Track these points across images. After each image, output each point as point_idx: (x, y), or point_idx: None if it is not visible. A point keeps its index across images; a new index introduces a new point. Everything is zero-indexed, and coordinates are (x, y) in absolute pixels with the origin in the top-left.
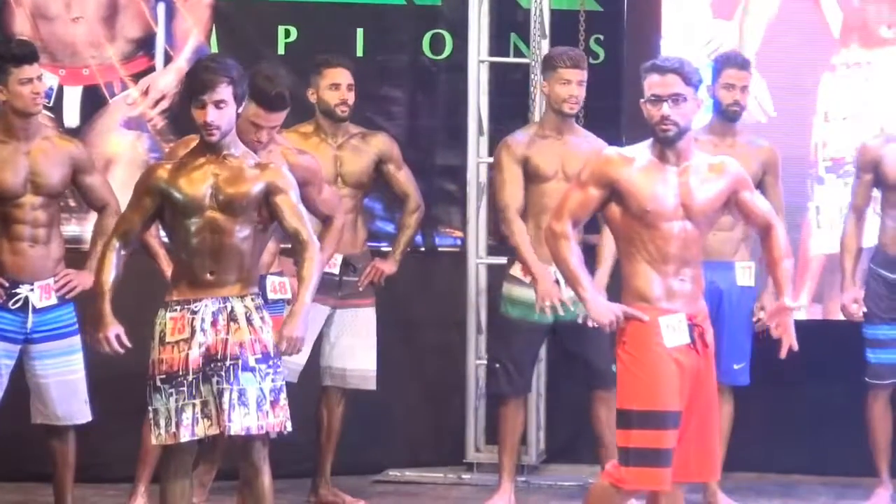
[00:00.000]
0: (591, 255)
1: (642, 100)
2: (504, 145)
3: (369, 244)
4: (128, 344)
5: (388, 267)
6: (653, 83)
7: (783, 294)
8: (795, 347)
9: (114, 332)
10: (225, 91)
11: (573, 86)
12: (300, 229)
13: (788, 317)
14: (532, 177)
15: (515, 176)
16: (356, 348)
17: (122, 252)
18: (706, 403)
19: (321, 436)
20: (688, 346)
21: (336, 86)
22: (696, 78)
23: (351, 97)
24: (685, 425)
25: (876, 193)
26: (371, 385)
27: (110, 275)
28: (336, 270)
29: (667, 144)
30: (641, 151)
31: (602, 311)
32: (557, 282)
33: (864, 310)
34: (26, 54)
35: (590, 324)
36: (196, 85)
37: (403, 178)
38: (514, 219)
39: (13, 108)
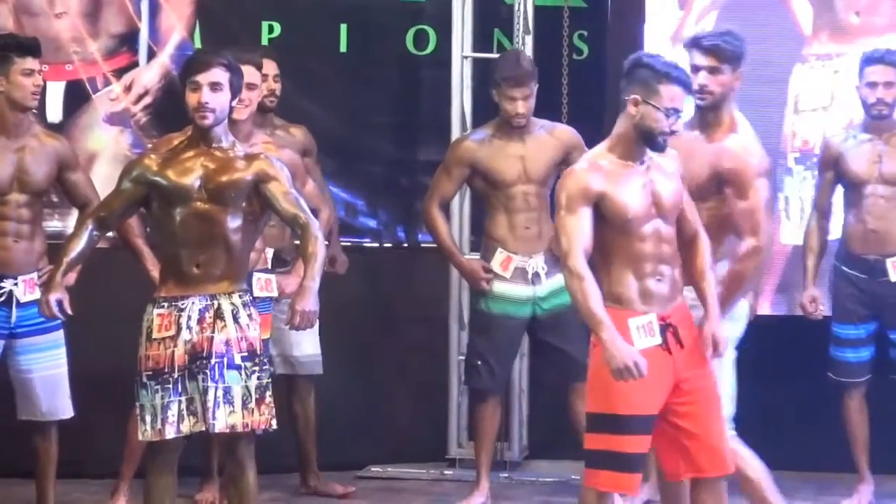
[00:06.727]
0: None
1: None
2: (455, 144)
3: (353, 240)
4: (69, 311)
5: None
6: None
7: None
8: None
9: (55, 297)
10: (221, 75)
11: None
12: (297, 213)
13: None
14: (493, 182)
15: (455, 176)
16: (300, 336)
17: (95, 234)
18: (699, 399)
19: (299, 427)
20: (659, 346)
21: None
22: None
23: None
24: (678, 424)
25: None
26: (318, 370)
27: (75, 249)
28: (269, 265)
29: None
30: (603, 156)
31: (618, 356)
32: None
33: (822, 307)
34: (32, 46)
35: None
36: (191, 67)
37: (316, 174)
38: (433, 210)
39: (10, 99)
